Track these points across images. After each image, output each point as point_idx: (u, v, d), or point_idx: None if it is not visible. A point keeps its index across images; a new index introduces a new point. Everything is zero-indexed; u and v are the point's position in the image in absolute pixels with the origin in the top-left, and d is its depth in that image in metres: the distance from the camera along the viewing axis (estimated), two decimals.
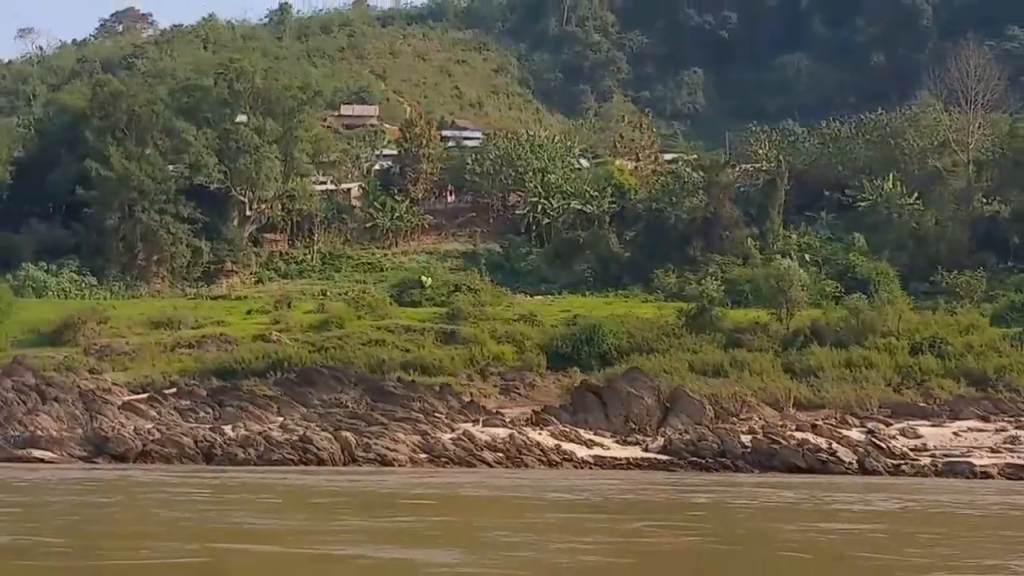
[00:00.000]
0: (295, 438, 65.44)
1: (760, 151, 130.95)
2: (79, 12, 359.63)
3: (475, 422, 69.89)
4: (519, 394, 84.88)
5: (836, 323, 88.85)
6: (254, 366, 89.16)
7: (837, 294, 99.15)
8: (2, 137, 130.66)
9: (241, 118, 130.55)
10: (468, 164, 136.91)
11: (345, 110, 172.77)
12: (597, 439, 67.51)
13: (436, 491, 49.79)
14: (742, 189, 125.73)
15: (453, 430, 67.66)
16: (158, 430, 67.76)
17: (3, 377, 74.15)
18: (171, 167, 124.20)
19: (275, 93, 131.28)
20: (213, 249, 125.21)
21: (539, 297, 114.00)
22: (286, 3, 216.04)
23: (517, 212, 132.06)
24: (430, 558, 28.19)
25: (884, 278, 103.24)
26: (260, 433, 66.71)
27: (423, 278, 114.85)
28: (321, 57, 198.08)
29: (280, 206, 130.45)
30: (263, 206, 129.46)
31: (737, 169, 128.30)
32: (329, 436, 65.24)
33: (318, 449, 64.00)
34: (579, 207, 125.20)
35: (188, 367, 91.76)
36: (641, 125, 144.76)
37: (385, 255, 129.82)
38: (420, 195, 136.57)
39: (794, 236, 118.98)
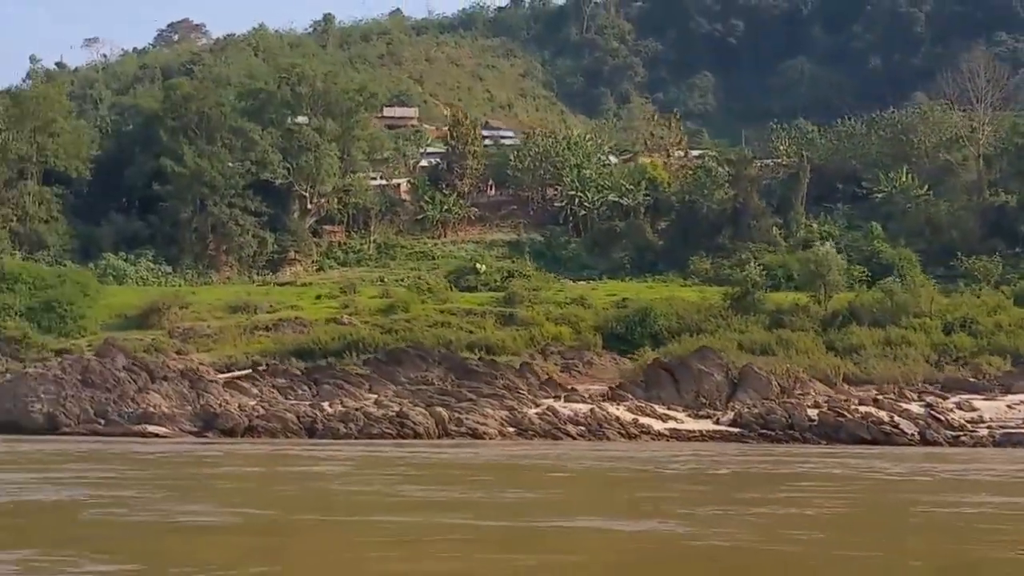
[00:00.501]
0: (392, 413, 64.10)
1: (780, 147, 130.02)
2: (139, 23, 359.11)
3: (556, 398, 68.55)
4: (579, 372, 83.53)
5: (872, 304, 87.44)
6: (330, 347, 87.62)
7: (864, 278, 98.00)
8: (82, 137, 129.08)
9: (301, 119, 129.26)
10: (510, 160, 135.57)
11: (387, 112, 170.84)
12: (671, 413, 66.20)
13: (550, 462, 48.35)
14: (764, 182, 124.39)
15: (537, 405, 66.40)
16: (262, 407, 66.45)
17: (112, 358, 72.60)
18: (239, 164, 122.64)
19: (334, 95, 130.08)
20: (277, 240, 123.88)
21: (582, 282, 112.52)
22: (329, 14, 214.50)
23: (556, 204, 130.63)
24: (658, 528, 26.55)
25: (907, 263, 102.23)
26: (358, 409, 65.39)
27: (478, 265, 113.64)
28: (363, 63, 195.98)
29: (337, 200, 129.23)
30: (322, 200, 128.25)
31: (759, 164, 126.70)
32: (424, 411, 63.91)
33: (414, 424, 62.69)
34: (616, 199, 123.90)
35: (268, 348, 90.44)
36: (670, 124, 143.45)
37: (435, 244, 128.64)
38: (466, 189, 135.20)
39: (815, 225, 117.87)
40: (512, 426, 63.45)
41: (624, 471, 44.82)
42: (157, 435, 62.64)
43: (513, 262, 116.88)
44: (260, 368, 79.23)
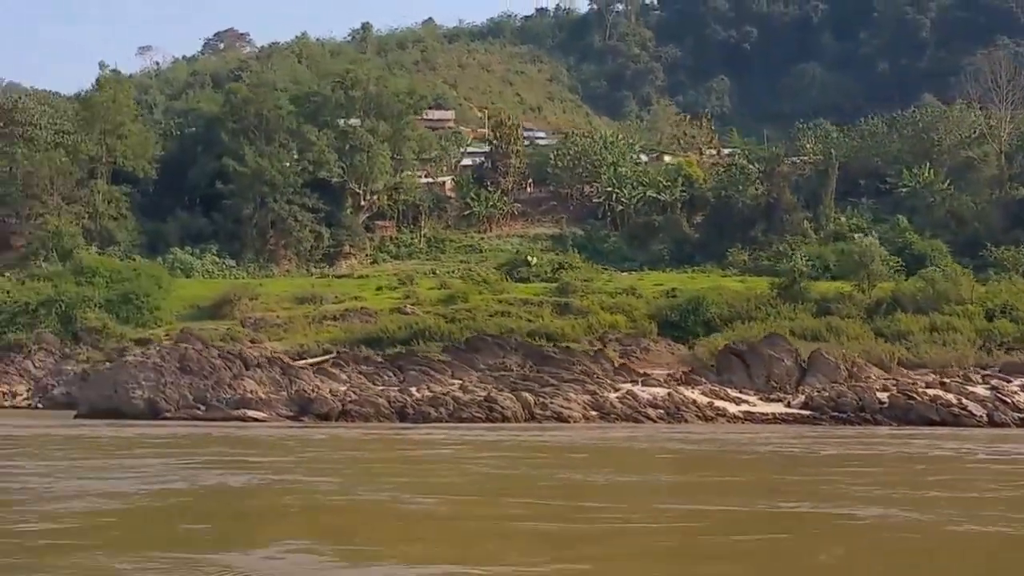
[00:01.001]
0: (480, 398, 62.52)
1: (807, 145, 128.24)
2: (187, 32, 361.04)
3: (633, 382, 66.92)
4: (637, 358, 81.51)
5: (914, 292, 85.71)
6: (398, 336, 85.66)
7: (899, 268, 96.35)
8: (148, 139, 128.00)
9: (353, 121, 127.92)
10: (551, 159, 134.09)
11: (427, 114, 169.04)
12: (743, 396, 64.51)
13: (650, 444, 46.72)
14: (793, 178, 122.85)
15: (616, 390, 64.75)
16: (353, 392, 64.88)
17: (206, 346, 71.11)
18: (296, 163, 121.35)
19: (385, 98, 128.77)
20: (332, 234, 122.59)
21: (625, 273, 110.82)
22: (368, 23, 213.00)
23: (594, 201, 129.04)
24: (903, 516, 24.48)
25: (938, 253, 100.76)
26: (446, 394, 63.78)
27: (529, 257, 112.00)
28: (400, 69, 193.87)
29: (388, 196, 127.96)
30: (373, 197, 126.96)
31: (789, 161, 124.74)
32: (511, 396, 62.28)
33: (502, 408, 60.94)
34: (654, 195, 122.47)
35: (338, 337, 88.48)
36: (701, 124, 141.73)
37: (482, 238, 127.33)
38: (509, 186, 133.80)
39: (843, 218, 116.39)
40: (594, 410, 61.80)
41: (730, 452, 43.03)
42: (256, 419, 61.15)
43: (557, 255, 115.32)
44: (331, 356, 77.59)
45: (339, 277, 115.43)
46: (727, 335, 79.96)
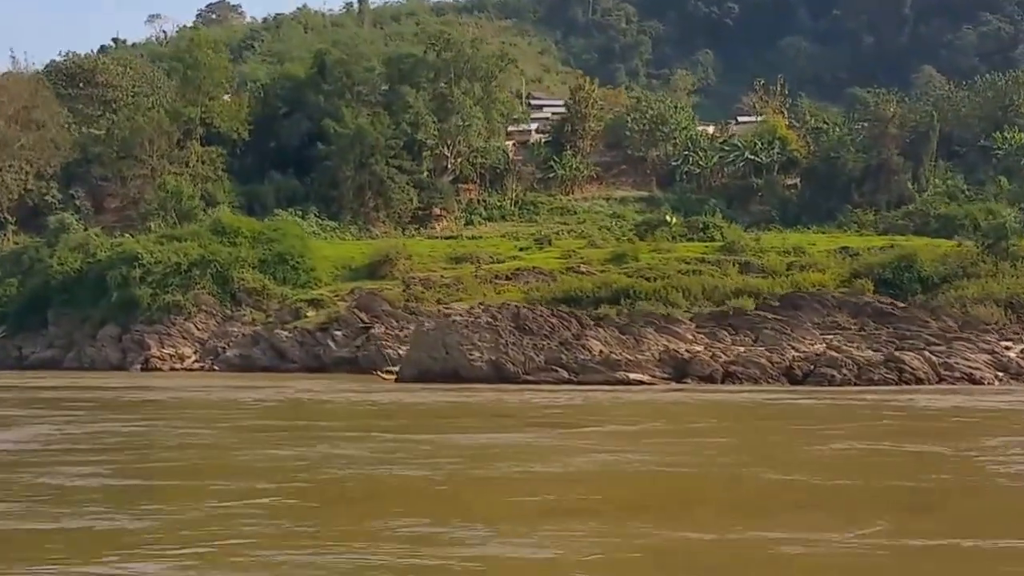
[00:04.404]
0: (882, 358, 52.29)
1: (888, 110, 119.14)
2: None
3: (1012, 337, 57.15)
4: None
5: None
6: (600, 295, 74.10)
7: None
8: (241, 102, 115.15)
9: (444, 84, 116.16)
10: (627, 122, 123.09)
11: None
12: None
13: None
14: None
15: (1007, 348, 55.03)
16: (723, 353, 54.17)
17: (497, 307, 59.83)
18: (393, 126, 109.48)
19: (477, 61, 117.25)
20: (421, 196, 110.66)
21: (766, 233, 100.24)
22: None
23: (672, 163, 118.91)
24: None
25: None
26: (820, 354, 53.49)
27: (668, 217, 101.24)
28: (402, 41, 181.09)
29: (469, 159, 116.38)
30: (459, 159, 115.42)
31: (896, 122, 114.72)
32: (916, 356, 52.14)
33: (912, 369, 51.01)
34: (751, 157, 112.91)
35: (528, 296, 76.81)
36: (777, 90, 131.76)
37: (570, 200, 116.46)
38: (587, 149, 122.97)
39: (937, 180, 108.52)
40: (1000, 369, 52.22)
41: None
42: (641, 382, 50.34)
43: (693, 216, 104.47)
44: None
45: (445, 239, 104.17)
46: (955, 291, 70.72)
